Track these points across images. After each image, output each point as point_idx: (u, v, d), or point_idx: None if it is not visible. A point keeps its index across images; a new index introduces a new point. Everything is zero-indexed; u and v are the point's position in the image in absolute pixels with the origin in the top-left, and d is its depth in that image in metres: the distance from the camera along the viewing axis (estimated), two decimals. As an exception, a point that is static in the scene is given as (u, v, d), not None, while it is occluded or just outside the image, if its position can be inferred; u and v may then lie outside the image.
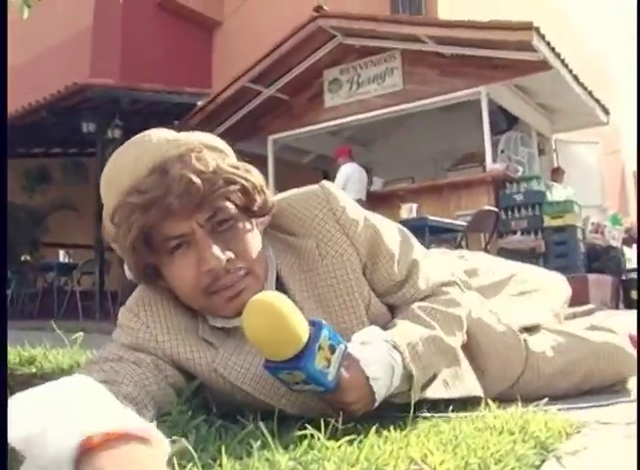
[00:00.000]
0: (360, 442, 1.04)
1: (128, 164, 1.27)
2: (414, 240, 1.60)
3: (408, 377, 1.33)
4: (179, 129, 1.35)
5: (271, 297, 1.15)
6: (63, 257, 11.52)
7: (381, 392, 1.27)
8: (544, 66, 8.47)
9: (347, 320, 1.42)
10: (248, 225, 1.34)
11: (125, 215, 1.23)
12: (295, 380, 1.18)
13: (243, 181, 1.30)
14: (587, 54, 15.19)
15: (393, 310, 1.53)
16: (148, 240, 1.25)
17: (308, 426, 1.05)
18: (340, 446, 1.00)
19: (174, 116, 10.55)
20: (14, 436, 0.75)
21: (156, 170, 1.22)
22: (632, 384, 1.96)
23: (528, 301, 2.02)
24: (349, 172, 8.95)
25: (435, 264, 1.63)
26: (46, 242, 13.58)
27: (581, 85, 9.73)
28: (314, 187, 1.49)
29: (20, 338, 2.75)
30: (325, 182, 1.51)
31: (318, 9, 9.60)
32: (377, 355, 1.28)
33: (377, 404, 1.29)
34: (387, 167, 11.63)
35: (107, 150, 10.88)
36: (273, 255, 1.43)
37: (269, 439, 1.10)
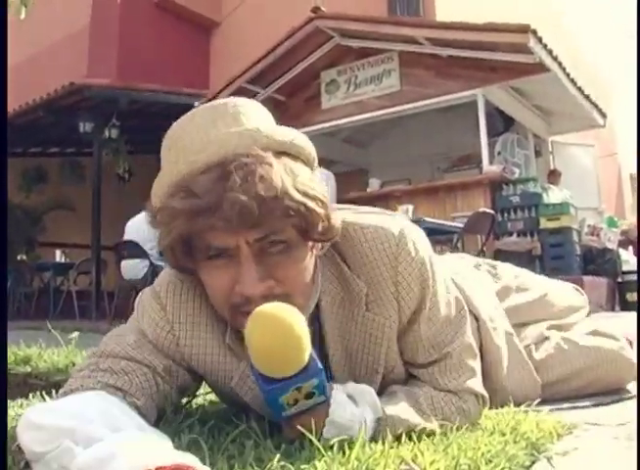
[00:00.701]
0: (351, 442, 1.05)
1: (191, 145, 1.16)
2: (467, 324, 1.45)
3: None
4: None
5: (282, 312, 1.06)
6: (59, 256, 11.51)
7: (325, 443, 1.11)
8: (541, 68, 8.49)
9: (362, 377, 1.34)
10: (302, 251, 1.19)
11: (168, 219, 1.12)
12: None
13: (305, 212, 1.13)
14: (582, 57, 15.21)
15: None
16: (187, 244, 1.16)
17: (299, 427, 1.05)
18: (331, 446, 1.00)
19: (172, 116, 10.48)
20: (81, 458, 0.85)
21: (213, 171, 1.10)
22: (629, 386, 1.98)
23: (549, 322, 2.02)
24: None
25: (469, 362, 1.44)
26: (42, 241, 13.55)
27: (578, 88, 9.75)
28: (394, 229, 1.32)
29: (15, 337, 2.75)
30: (407, 230, 1.34)
31: (316, 10, 9.61)
32: (349, 423, 1.14)
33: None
34: (383, 169, 11.63)
35: (104, 150, 10.91)
36: (321, 280, 1.31)
37: (261, 439, 1.11)
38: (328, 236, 1.23)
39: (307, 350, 1.08)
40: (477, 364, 1.45)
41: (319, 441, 1.08)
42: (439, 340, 1.38)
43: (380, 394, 1.29)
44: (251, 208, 1.06)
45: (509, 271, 2.17)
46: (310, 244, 1.22)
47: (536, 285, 2.12)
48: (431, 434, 1.24)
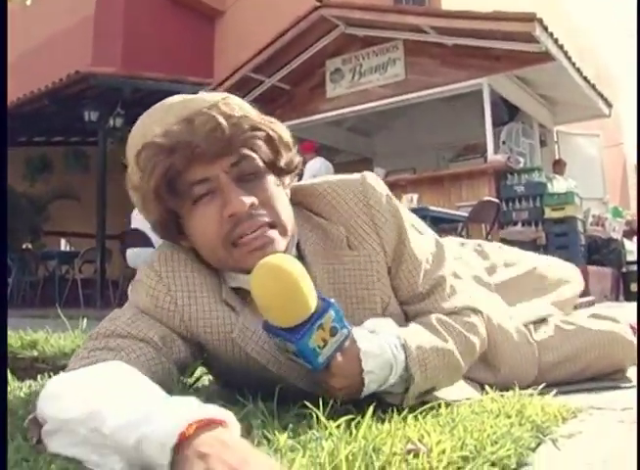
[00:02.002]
0: (358, 422, 1.05)
1: (158, 115, 1.29)
2: (448, 256, 1.55)
3: (406, 380, 1.30)
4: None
5: (287, 261, 1.13)
6: (64, 245, 11.54)
7: (371, 386, 1.24)
8: (546, 57, 8.46)
9: (362, 316, 1.38)
10: (274, 181, 1.32)
11: (150, 156, 1.23)
12: (287, 349, 1.18)
13: (269, 130, 1.29)
14: (589, 45, 15.14)
15: (410, 320, 1.47)
16: (172, 185, 1.24)
17: (307, 403, 1.06)
18: (338, 426, 1.01)
19: (176, 105, 10.49)
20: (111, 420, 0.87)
21: (185, 120, 1.23)
22: (632, 372, 1.98)
23: (543, 297, 2.02)
24: (316, 168, 8.65)
25: (463, 286, 1.56)
26: (47, 230, 13.59)
27: (584, 77, 9.71)
28: (355, 176, 1.46)
29: (21, 325, 2.76)
30: (367, 173, 1.48)
31: (320, -2, 9.59)
32: (380, 349, 1.24)
33: (363, 396, 1.25)
34: (388, 158, 11.64)
35: (108, 139, 10.90)
36: (299, 231, 1.41)
37: (268, 418, 1.12)
38: (292, 166, 1.37)
39: (311, 287, 1.14)
40: (462, 285, 1.55)
41: (362, 377, 1.21)
42: (429, 266, 1.47)
43: None
44: (222, 123, 1.22)
45: (494, 248, 2.21)
46: (279, 181, 1.34)
47: (524, 259, 2.15)
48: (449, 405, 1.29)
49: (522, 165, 8.98)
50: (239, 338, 1.32)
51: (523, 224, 8.42)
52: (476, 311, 1.50)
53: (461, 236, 6.51)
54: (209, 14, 15.34)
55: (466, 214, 6.79)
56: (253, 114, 1.31)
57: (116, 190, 11.32)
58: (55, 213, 13.91)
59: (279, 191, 1.33)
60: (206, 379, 1.61)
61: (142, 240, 7.43)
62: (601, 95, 10.62)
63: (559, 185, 8.80)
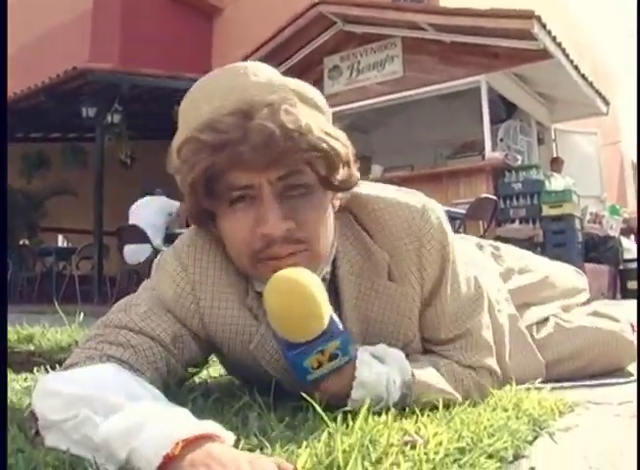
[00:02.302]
0: (355, 414, 1.05)
1: (213, 94, 1.18)
2: (485, 302, 1.47)
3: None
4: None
5: (304, 276, 1.08)
6: (61, 241, 11.51)
7: (354, 406, 1.14)
8: (545, 55, 8.46)
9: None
10: (322, 199, 1.21)
11: (193, 152, 1.13)
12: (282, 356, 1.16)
13: (329, 150, 1.16)
14: (586, 43, 15.14)
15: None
16: (210, 184, 1.14)
17: (304, 395, 1.06)
18: (335, 418, 1.01)
19: (174, 101, 10.47)
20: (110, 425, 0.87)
21: (239, 112, 1.11)
22: (630, 367, 1.99)
23: (552, 303, 2.02)
24: None
25: (491, 341, 1.47)
26: (45, 226, 13.55)
27: (581, 75, 9.71)
28: (416, 203, 1.34)
29: (18, 320, 2.75)
30: (430, 204, 1.36)
31: (319, -5, 9.58)
32: (376, 382, 1.17)
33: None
34: (386, 155, 11.60)
35: (106, 135, 10.87)
36: (341, 247, 1.32)
37: (265, 411, 1.12)
38: (347, 185, 1.24)
39: (328, 311, 1.09)
40: (492, 342, 1.47)
41: (347, 404, 1.12)
42: (460, 316, 1.39)
43: None
44: (278, 136, 1.08)
45: (512, 253, 2.17)
46: (330, 195, 1.24)
47: (539, 267, 2.12)
48: (448, 405, 1.25)
49: (519, 163, 8.99)
50: (256, 350, 1.29)
51: (520, 222, 8.42)
52: (492, 373, 1.44)
53: (458, 233, 6.51)
54: (208, 11, 15.31)
55: (463, 211, 6.78)
56: (319, 124, 1.17)
57: (114, 186, 11.34)
58: (52, 210, 13.86)
59: (325, 211, 1.22)
60: (205, 372, 1.61)
61: (139, 236, 7.43)
62: (599, 93, 10.63)
63: (556, 183, 8.80)
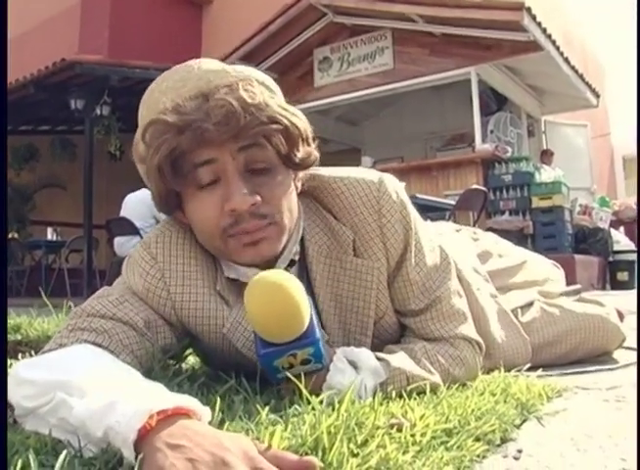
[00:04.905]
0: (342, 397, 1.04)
1: (173, 86, 1.23)
2: (452, 270, 1.47)
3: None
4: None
5: (290, 285, 1.06)
6: (51, 234, 11.48)
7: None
8: (535, 46, 8.47)
9: (353, 325, 1.36)
10: (284, 177, 1.25)
11: (158, 133, 1.17)
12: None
13: (287, 123, 1.20)
14: (576, 35, 15.16)
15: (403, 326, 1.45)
16: (175, 166, 1.18)
17: (290, 376, 1.05)
18: (320, 401, 1.00)
19: (163, 93, 10.45)
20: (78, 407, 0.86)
21: (200, 94, 1.17)
22: (617, 353, 1.99)
23: (530, 288, 2.03)
24: None
25: (464, 306, 1.47)
26: (34, 220, 13.51)
27: (571, 67, 9.73)
28: (372, 177, 1.38)
29: (7, 313, 2.74)
30: (386, 178, 1.39)
31: (309, -14, 9.55)
32: (347, 387, 1.08)
33: None
34: (376, 147, 11.62)
35: (95, 127, 10.83)
36: (307, 229, 1.36)
37: (250, 395, 1.11)
38: (307, 163, 1.29)
39: (305, 318, 1.08)
40: (465, 308, 1.47)
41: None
42: (428, 285, 1.41)
43: (374, 348, 1.30)
44: (238, 110, 1.14)
45: (489, 238, 2.22)
46: (292, 175, 1.28)
47: (515, 253, 2.17)
48: (433, 389, 1.25)
49: (509, 155, 9.01)
50: (230, 333, 1.30)
51: (510, 213, 8.44)
52: (469, 341, 1.43)
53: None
54: (197, 2, 15.24)
55: (453, 203, 6.78)
56: (275, 101, 1.22)
57: (104, 179, 11.30)
58: (41, 203, 13.82)
59: (288, 187, 1.26)
60: (192, 359, 1.60)
61: (128, 228, 7.40)
62: (589, 85, 10.66)
63: (546, 175, 8.82)
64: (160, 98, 1.22)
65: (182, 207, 1.27)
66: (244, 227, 1.19)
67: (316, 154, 1.31)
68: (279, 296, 1.05)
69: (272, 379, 1.14)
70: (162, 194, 1.25)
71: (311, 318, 1.10)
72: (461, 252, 1.86)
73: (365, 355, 1.23)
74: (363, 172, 1.41)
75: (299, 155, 1.25)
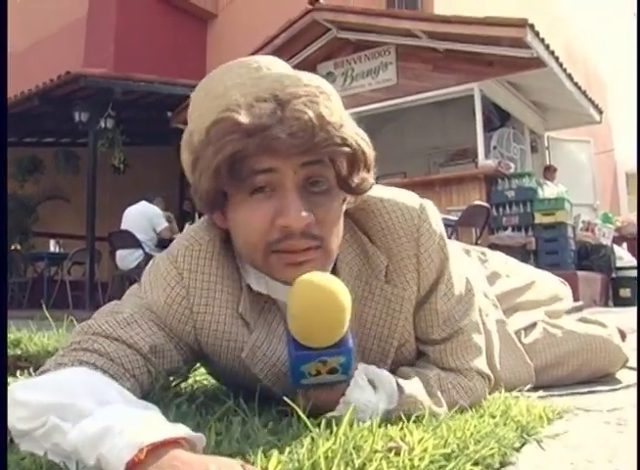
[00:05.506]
0: (339, 420, 1.04)
1: (242, 83, 1.16)
2: (475, 302, 1.46)
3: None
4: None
5: (340, 291, 1.05)
6: (53, 246, 11.47)
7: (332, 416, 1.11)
8: (538, 63, 8.48)
9: (374, 350, 1.34)
10: (339, 199, 1.20)
11: (225, 132, 1.09)
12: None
13: (357, 148, 1.15)
14: (579, 52, 15.21)
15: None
16: (234, 169, 1.10)
17: (288, 400, 1.04)
18: (318, 424, 0.99)
19: (167, 106, 10.51)
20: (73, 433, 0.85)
21: (273, 100, 1.10)
22: (620, 374, 1.98)
23: (538, 309, 2.02)
24: None
25: (482, 342, 1.46)
26: (37, 231, 13.51)
27: (574, 83, 9.75)
28: (414, 203, 1.34)
29: (8, 326, 2.74)
30: (427, 205, 1.36)
31: (313, 2, 9.59)
32: (363, 406, 1.14)
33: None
34: (379, 162, 11.48)
35: (99, 140, 10.85)
36: (341, 249, 1.30)
37: (248, 416, 1.10)
38: (361, 189, 1.22)
39: (345, 326, 1.07)
40: (483, 343, 1.46)
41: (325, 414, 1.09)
42: (452, 316, 1.39)
43: (391, 372, 1.28)
44: (314, 125, 1.07)
45: (498, 258, 2.20)
46: (342, 198, 1.22)
47: (524, 272, 2.16)
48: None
49: (512, 171, 9.00)
50: (248, 358, 1.27)
51: (513, 229, 8.43)
52: (482, 375, 1.43)
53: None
54: (202, 16, 15.35)
55: (456, 218, 6.78)
56: (350, 122, 1.17)
57: (107, 192, 11.31)
58: (44, 214, 13.83)
59: (340, 212, 1.22)
60: (191, 378, 1.59)
61: (131, 241, 7.41)
62: (592, 101, 10.67)
63: (549, 191, 8.82)
64: (229, 93, 1.15)
65: (224, 209, 1.21)
66: (292, 244, 1.13)
67: (372, 181, 1.25)
68: (329, 303, 1.03)
69: (293, 383, 1.12)
70: (211, 193, 1.17)
71: (320, 349, 1.08)
72: (471, 277, 1.85)
73: (386, 378, 1.22)
74: (405, 196, 1.37)
75: (356, 180, 1.19)
